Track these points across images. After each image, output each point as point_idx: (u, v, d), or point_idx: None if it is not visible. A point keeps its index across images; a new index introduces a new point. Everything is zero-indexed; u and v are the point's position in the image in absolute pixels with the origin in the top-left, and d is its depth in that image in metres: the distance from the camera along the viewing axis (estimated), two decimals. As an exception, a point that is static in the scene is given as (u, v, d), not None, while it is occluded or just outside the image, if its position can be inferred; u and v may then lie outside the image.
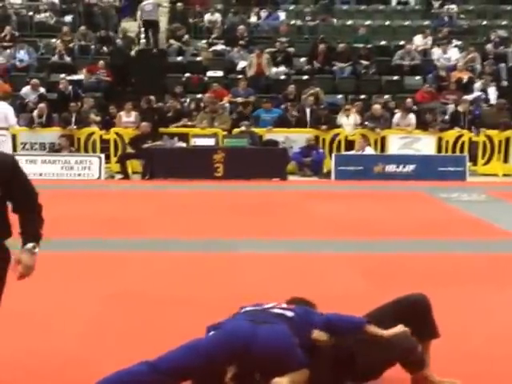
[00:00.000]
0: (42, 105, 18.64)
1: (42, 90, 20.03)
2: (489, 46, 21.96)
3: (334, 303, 5.80)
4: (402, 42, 22.59)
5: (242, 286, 7.46)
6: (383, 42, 23.27)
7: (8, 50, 21.71)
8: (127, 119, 18.38)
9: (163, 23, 23.98)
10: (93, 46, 22.50)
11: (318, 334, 4.58)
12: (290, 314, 4.65)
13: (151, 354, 4.46)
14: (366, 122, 18.41)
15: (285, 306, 4.78)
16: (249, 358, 4.37)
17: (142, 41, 23.66)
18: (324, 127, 18.35)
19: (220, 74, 21.46)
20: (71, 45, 22.25)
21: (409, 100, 19.17)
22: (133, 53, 21.90)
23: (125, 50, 21.61)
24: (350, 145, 18.28)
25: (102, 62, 20.91)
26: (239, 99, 19.81)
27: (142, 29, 23.25)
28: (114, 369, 4.43)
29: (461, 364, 5.23)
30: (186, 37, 22.92)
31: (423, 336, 4.79)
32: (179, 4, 24.12)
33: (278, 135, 18.16)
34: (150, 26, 23.03)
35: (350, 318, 4.63)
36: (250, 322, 4.48)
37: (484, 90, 20.42)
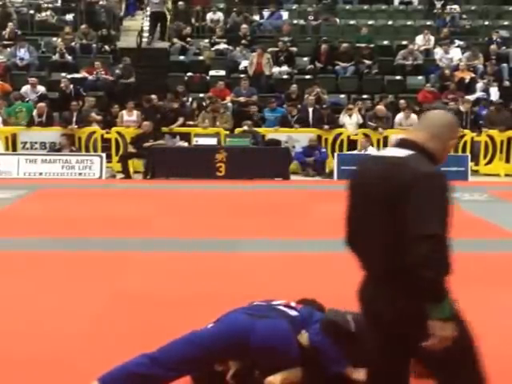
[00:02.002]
0: (41, 104, 18.60)
1: (42, 88, 19.99)
2: (491, 47, 21.93)
3: (337, 302, 5.77)
4: (404, 42, 22.59)
5: (244, 285, 7.45)
6: (386, 42, 23.27)
7: (9, 49, 21.68)
8: (129, 118, 18.34)
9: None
10: (94, 45, 22.48)
11: (301, 337, 4.60)
12: (293, 312, 4.68)
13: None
14: (369, 122, 18.40)
15: (293, 304, 4.81)
16: (247, 351, 4.42)
17: (145, 39, 23.73)
18: (326, 127, 18.34)
19: (222, 73, 21.43)
20: (73, 44, 22.24)
21: (402, 101, 19.08)
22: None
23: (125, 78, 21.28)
24: (352, 144, 18.27)
25: (97, 63, 20.90)
26: (241, 99, 19.79)
27: (147, 23, 23.32)
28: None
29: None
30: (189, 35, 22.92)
31: None
32: (180, 3, 24.12)
33: (281, 135, 18.16)
34: (158, 18, 23.13)
35: (339, 353, 4.60)
36: (249, 315, 4.52)
37: (486, 90, 20.42)
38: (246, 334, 4.39)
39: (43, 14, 23.97)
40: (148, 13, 24.43)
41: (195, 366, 4.48)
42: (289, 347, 4.46)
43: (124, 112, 18.44)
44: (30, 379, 4.91)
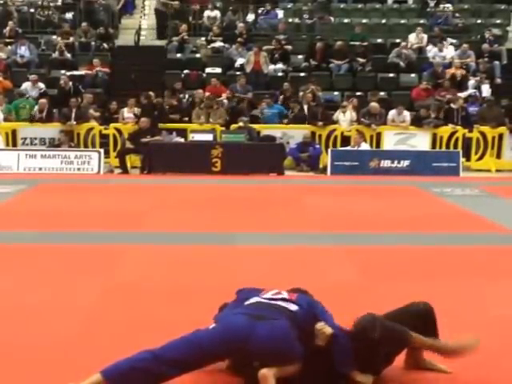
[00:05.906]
0: (42, 100, 18.80)
1: (42, 85, 20.20)
2: (483, 45, 22.16)
3: (330, 295, 5.85)
4: (397, 40, 22.81)
5: (240, 278, 7.35)
6: (379, 40, 23.47)
7: (9, 47, 21.87)
8: (129, 115, 18.56)
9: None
10: (93, 43, 22.70)
11: (322, 326, 4.58)
12: (293, 307, 4.68)
13: (151, 345, 4.53)
14: (363, 119, 18.65)
15: (286, 295, 4.80)
16: (246, 352, 4.46)
17: (142, 37, 23.95)
18: (320, 123, 18.57)
19: (218, 70, 21.64)
20: (71, 39, 22.42)
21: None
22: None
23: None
24: (346, 140, 18.50)
25: (96, 61, 21.13)
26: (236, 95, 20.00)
27: (144, 22, 23.51)
28: (113, 360, 4.49)
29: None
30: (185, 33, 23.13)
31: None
32: (176, 2, 24.35)
33: (276, 131, 18.39)
34: (158, 16, 23.53)
35: (350, 355, 4.59)
36: (249, 317, 4.52)
37: (478, 88, 20.65)
38: (245, 337, 4.41)
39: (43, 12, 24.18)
40: (146, 11, 24.77)
41: (195, 365, 4.53)
42: (290, 347, 4.46)
43: (125, 109, 18.66)
44: (26, 372, 4.91)
